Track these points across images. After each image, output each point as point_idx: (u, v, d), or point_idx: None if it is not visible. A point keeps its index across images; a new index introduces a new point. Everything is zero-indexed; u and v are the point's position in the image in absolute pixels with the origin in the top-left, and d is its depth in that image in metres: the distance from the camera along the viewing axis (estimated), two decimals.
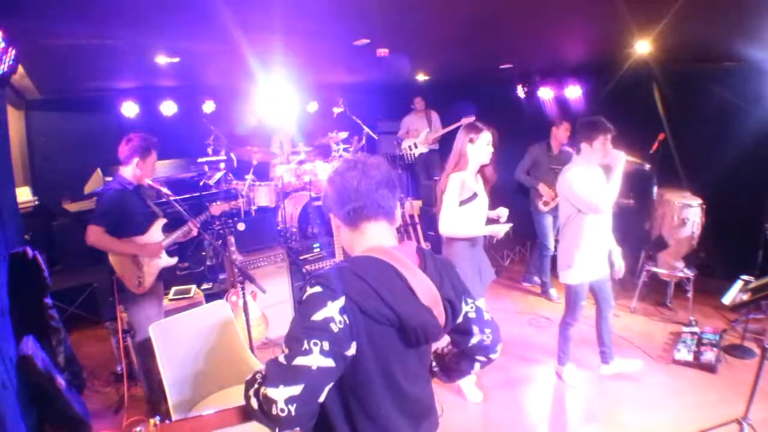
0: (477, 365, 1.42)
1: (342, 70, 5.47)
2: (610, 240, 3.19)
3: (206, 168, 5.38)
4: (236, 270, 3.25)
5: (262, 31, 3.08)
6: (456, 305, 1.26)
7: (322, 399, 1.08)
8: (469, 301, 1.33)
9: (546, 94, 5.92)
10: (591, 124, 2.99)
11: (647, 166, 3.10)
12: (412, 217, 5.35)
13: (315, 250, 4.75)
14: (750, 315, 3.86)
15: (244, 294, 3.17)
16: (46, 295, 2.87)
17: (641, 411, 3.06)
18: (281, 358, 1.07)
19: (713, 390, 3.23)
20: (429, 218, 5.52)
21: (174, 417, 2.31)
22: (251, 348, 2.94)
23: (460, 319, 1.30)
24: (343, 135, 5.88)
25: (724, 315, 4.23)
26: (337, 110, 6.21)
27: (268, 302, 4.10)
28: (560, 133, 4.79)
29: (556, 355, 3.44)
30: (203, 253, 4.80)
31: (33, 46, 2.83)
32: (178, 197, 3.16)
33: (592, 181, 3.01)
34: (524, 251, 5.97)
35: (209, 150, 5.50)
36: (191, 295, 3.83)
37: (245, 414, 1.17)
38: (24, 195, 4.61)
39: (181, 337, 2.58)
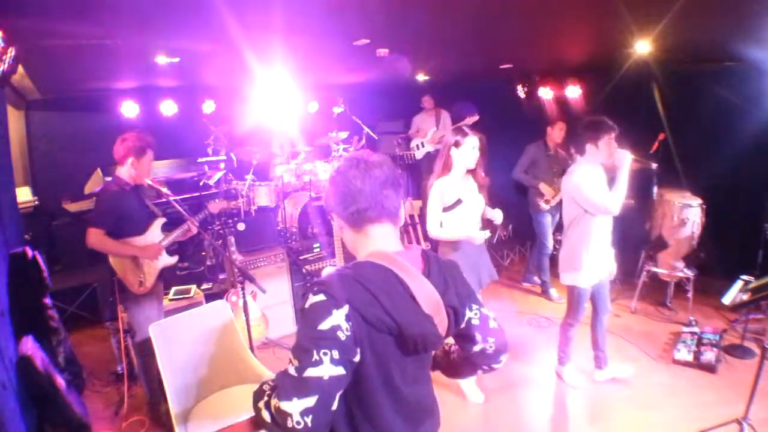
0: (479, 372, 1.42)
1: (342, 70, 5.47)
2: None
3: (206, 168, 5.38)
4: (236, 270, 3.25)
5: (262, 31, 3.08)
6: (459, 312, 1.24)
7: (335, 407, 1.07)
8: (474, 307, 1.31)
9: (546, 94, 5.92)
10: (595, 124, 2.97)
11: (653, 165, 3.08)
12: (412, 217, 5.35)
13: (315, 250, 4.75)
14: (750, 315, 3.86)
15: (244, 294, 3.17)
16: (46, 295, 2.87)
17: (641, 411, 3.06)
18: (291, 370, 1.06)
19: (713, 390, 3.23)
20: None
21: (174, 417, 2.30)
22: (251, 348, 2.94)
23: (463, 325, 1.29)
24: (343, 135, 5.88)
25: (724, 315, 4.23)
26: (337, 110, 6.21)
27: (268, 302, 4.10)
28: (555, 133, 4.83)
29: (557, 355, 3.43)
30: (203, 253, 4.80)
31: (33, 46, 2.82)
32: (177, 197, 3.15)
33: (599, 181, 2.99)
34: (524, 251, 5.97)
35: (209, 150, 5.49)
36: (191, 295, 3.84)
37: (255, 425, 1.18)
38: (24, 195, 4.61)
39: (181, 337, 2.58)
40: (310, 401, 1.01)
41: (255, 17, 2.71)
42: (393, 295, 1.12)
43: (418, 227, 5.06)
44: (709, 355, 3.47)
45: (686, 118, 4.58)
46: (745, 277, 2.90)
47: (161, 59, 3.66)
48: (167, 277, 3.26)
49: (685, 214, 4.04)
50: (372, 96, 7.27)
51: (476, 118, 6.11)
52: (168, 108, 5.80)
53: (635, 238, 4.97)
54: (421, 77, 6.02)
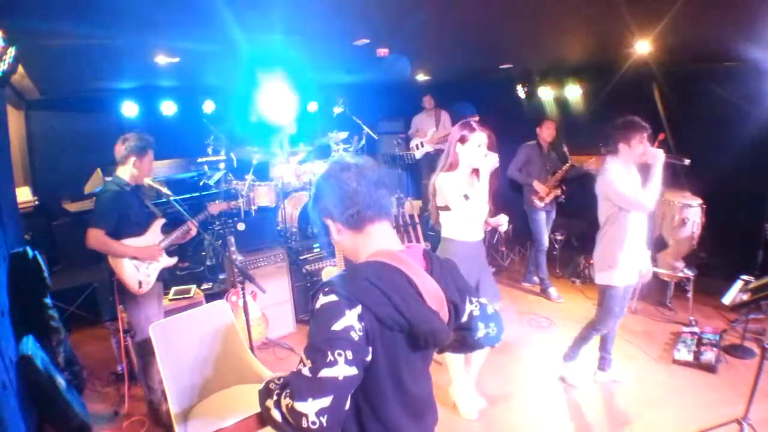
0: (478, 350, 1.49)
1: (342, 70, 5.47)
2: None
3: (206, 168, 5.38)
4: (236, 270, 3.25)
5: (262, 31, 3.08)
6: (459, 306, 1.27)
7: (348, 407, 1.08)
8: (474, 300, 1.35)
9: (546, 94, 5.92)
10: (628, 123, 2.94)
11: (686, 161, 3.03)
12: (412, 217, 5.35)
13: (315, 250, 4.75)
14: (750, 315, 3.86)
15: (244, 294, 3.17)
16: (46, 295, 2.87)
17: (641, 411, 3.06)
18: (306, 371, 1.06)
19: (713, 390, 3.23)
20: (429, 218, 5.52)
21: (174, 417, 2.30)
22: (251, 348, 2.94)
23: (465, 318, 1.32)
24: (343, 135, 5.88)
25: (724, 315, 4.23)
26: (337, 110, 6.21)
27: (268, 302, 4.10)
28: (544, 132, 4.89)
29: (565, 351, 3.38)
30: (203, 253, 4.81)
31: (33, 46, 2.83)
32: (177, 197, 3.15)
33: (632, 179, 2.96)
34: (524, 251, 5.97)
35: (209, 150, 5.49)
36: (191, 295, 3.84)
37: (261, 423, 1.19)
38: (24, 195, 4.61)
39: (181, 337, 2.58)
40: (326, 401, 1.02)
41: (255, 17, 2.71)
42: (403, 293, 1.13)
43: (419, 227, 5.05)
44: (709, 355, 3.47)
45: (686, 118, 4.58)
46: (745, 277, 2.90)
47: (161, 59, 3.66)
48: (167, 277, 3.26)
49: (685, 214, 4.04)
50: (372, 96, 7.27)
51: (476, 119, 6.11)
52: (168, 108, 5.80)
53: None
54: (421, 77, 6.02)
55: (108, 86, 5.23)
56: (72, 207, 4.84)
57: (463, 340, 1.39)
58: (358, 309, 1.08)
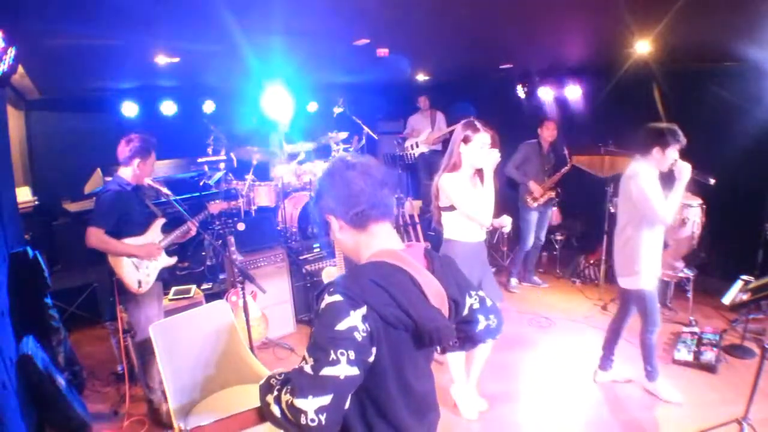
0: (480, 344, 1.47)
1: (342, 70, 5.47)
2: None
3: (206, 168, 5.37)
4: (236, 270, 3.25)
5: (262, 31, 3.08)
6: (460, 302, 1.28)
7: (347, 406, 1.09)
8: (473, 293, 1.36)
9: (546, 94, 5.92)
10: (670, 131, 2.88)
11: (711, 181, 2.96)
12: (412, 217, 5.35)
13: (315, 250, 4.75)
14: (750, 315, 3.86)
15: (244, 294, 3.17)
16: (46, 295, 2.87)
17: (641, 411, 3.06)
18: (307, 369, 1.07)
19: (713, 390, 3.23)
20: (429, 218, 5.52)
21: (174, 417, 2.30)
22: (251, 348, 2.94)
23: (465, 312, 1.33)
24: (343, 135, 5.88)
25: (724, 315, 4.23)
26: (337, 110, 6.21)
27: (268, 302, 4.10)
28: (545, 133, 4.91)
29: (644, 371, 3.19)
30: (203, 253, 4.80)
31: (33, 46, 2.83)
32: (177, 197, 3.16)
33: (659, 188, 2.88)
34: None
35: (209, 150, 5.49)
36: (191, 295, 3.84)
37: (261, 418, 1.19)
38: (24, 195, 4.61)
39: (181, 337, 2.58)
40: (326, 400, 1.03)
41: (255, 17, 2.71)
42: (407, 292, 1.14)
43: (419, 227, 5.06)
44: (709, 355, 3.47)
45: (686, 118, 4.54)
46: (745, 277, 2.90)
47: (161, 59, 3.66)
48: (167, 277, 3.26)
49: (685, 214, 4.04)
50: (372, 96, 7.28)
51: (471, 119, 6.11)
52: (168, 108, 5.80)
53: None
54: (421, 77, 6.02)
55: (108, 86, 5.23)
56: (72, 207, 4.84)
57: (466, 334, 1.40)
58: (363, 310, 1.09)
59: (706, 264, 4.47)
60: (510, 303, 4.89)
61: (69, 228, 4.63)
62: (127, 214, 2.88)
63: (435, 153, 6.79)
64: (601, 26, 3.30)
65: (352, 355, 1.05)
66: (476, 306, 1.37)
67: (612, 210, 4.85)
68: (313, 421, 1.02)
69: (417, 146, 6.76)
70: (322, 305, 1.12)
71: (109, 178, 3.03)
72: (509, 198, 5.15)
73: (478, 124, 2.73)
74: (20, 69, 3.14)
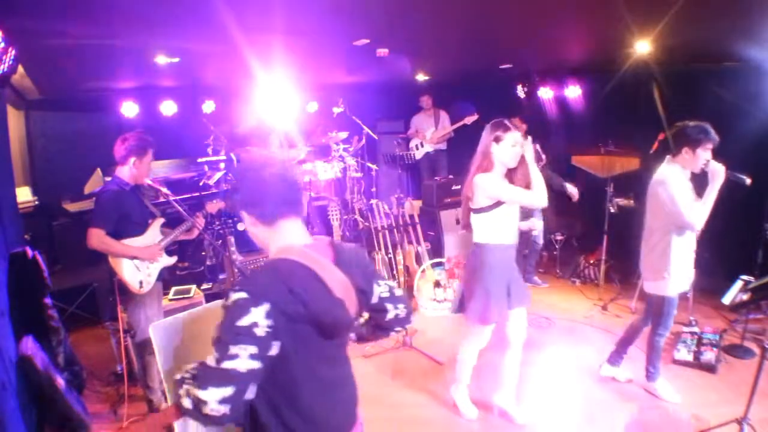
0: (393, 333, 1.59)
1: (342, 70, 5.47)
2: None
3: (206, 168, 5.38)
4: (236, 270, 3.25)
5: (262, 31, 3.08)
6: (367, 291, 1.38)
7: (251, 396, 1.14)
8: (381, 282, 1.46)
9: (546, 94, 5.92)
10: (699, 129, 2.78)
11: (747, 181, 2.80)
12: (412, 217, 5.35)
13: None
14: (750, 315, 3.86)
15: None
16: (46, 295, 2.86)
17: (641, 411, 3.06)
18: (211, 361, 1.13)
19: (713, 390, 3.23)
20: (429, 218, 5.53)
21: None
22: None
23: (375, 300, 1.43)
24: (343, 135, 5.89)
25: (724, 315, 4.23)
26: (337, 110, 6.22)
27: None
28: None
29: (646, 371, 3.20)
30: (203, 253, 4.80)
31: (33, 46, 2.83)
32: (177, 197, 3.15)
33: (688, 190, 2.82)
34: (524, 252, 5.96)
35: (209, 150, 5.50)
36: (191, 295, 3.83)
37: (179, 413, 1.21)
38: (24, 195, 4.61)
39: (181, 337, 2.58)
40: (227, 391, 1.08)
41: (255, 17, 2.71)
42: (308, 287, 1.21)
43: (418, 227, 5.06)
44: (708, 355, 3.47)
45: (686, 118, 4.57)
46: (745, 277, 2.90)
47: (161, 59, 3.66)
48: (167, 277, 3.26)
49: None
50: (372, 96, 7.28)
51: (475, 117, 6.12)
52: (168, 108, 5.80)
53: (635, 238, 4.97)
54: (421, 77, 6.02)
55: (108, 86, 5.23)
56: (72, 207, 4.84)
57: (376, 322, 1.53)
58: (265, 306, 1.13)
59: (706, 264, 4.46)
60: None
61: (69, 228, 4.63)
62: (127, 214, 2.87)
63: (440, 152, 6.78)
64: (601, 26, 3.30)
65: (252, 350, 1.11)
66: (385, 295, 1.45)
67: (612, 210, 4.85)
68: (214, 411, 1.07)
69: (422, 146, 6.74)
70: (229, 301, 1.16)
71: (108, 178, 3.02)
72: None
73: (508, 123, 2.66)
74: (20, 69, 3.14)
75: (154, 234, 3.02)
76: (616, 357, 3.36)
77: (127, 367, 3.30)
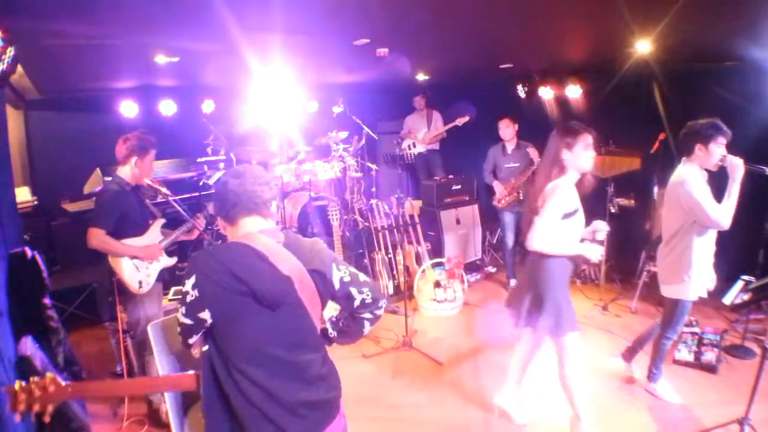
0: (367, 324, 1.65)
1: (342, 70, 5.47)
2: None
3: (205, 168, 5.37)
4: None
5: (262, 30, 3.07)
6: (325, 272, 1.54)
7: (196, 336, 1.50)
8: (342, 267, 1.59)
9: (546, 93, 5.92)
10: (709, 124, 2.73)
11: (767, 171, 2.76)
12: (412, 217, 5.35)
13: None
14: (750, 315, 3.86)
15: None
16: (46, 295, 2.86)
17: (642, 411, 3.06)
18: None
19: (713, 390, 3.22)
20: (429, 218, 5.52)
21: (172, 417, 2.30)
22: None
23: (337, 286, 1.56)
24: (343, 135, 5.88)
25: (725, 315, 4.22)
26: (337, 110, 6.21)
27: None
28: (501, 132, 4.90)
29: (648, 372, 3.17)
30: None
31: (32, 45, 2.82)
32: (177, 197, 3.15)
33: (707, 190, 2.76)
34: (524, 251, 5.97)
35: (208, 150, 5.49)
36: None
37: (197, 380, 1.56)
38: (23, 195, 4.61)
39: (180, 337, 2.57)
40: (183, 327, 1.49)
41: (255, 17, 2.71)
42: (245, 262, 1.43)
43: (418, 227, 5.05)
44: (709, 356, 3.47)
45: (686, 118, 4.56)
46: (745, 277, 2.90)
47: (160, 59, 3.65)
48: (167, 278, 3.25)
49: None
50: (372, 96, 7.27)
51: (467, 119, 6.13)
52: (167, 108, 5.80)
53: (635, 238, 4.98)
54: (421, 77, 6.02)
55: (107, 86, 5.23)
56: (71, 207, 4.84)
57: (348, 312, 1.63)
58: (193, 279, 1.42)
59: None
60: None
61: (68, 228, 4.63)
62: (127, 214, 2.86)
63: (433, 152, 6.79)
64: (602, 25, 3.30)
65: (184, 310, 1.45)
66: (347, 279, 1.58)
67: (612, 210, 4.85)
68: (179, 328, 1.51)
69: (414, 146, 6.75)
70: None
71: (108, 178, 3.02)
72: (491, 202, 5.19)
73: (577, 125, 2.52)
74: (19, 68, 3.13)
75: (154, 234, 3.02)
76: (630, 355, 3.36)
77: (127, 367, 3.29)
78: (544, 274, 2.57)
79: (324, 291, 1.55)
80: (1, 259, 2.49)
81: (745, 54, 3.88)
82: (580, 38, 3.85)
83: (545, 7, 2.83)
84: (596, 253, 2.53)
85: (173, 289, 3.87)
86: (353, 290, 1.58)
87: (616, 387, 3.33)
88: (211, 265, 1.42)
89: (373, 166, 6.56)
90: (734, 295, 2.87)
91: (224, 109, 6.18)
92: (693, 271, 2.84)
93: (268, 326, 1.46)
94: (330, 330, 1.68)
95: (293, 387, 1.47)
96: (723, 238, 4.32)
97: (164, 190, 3.07)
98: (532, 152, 4.72)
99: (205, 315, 1.43)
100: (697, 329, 3.84)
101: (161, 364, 2.41)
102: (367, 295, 1.59)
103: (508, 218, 5.03)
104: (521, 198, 4.91)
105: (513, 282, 5.24)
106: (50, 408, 1.54)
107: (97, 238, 2.72)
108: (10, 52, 2.46)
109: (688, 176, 2.77)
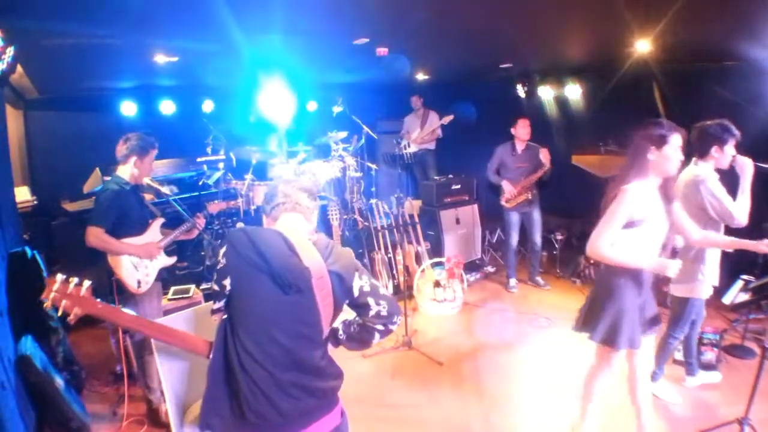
0: (377, 335, 1.67)
1: (342, 69, 5.47)
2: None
3: (205, 167, 5.37)
4: None
5: (262, 31, 3.07)
6: (345, 277, 1.59)
7: (220, 302, 1.60)
8: (364, 277, 1.65)
9: (546, 93, 5.92)
10: (725, 127, 2.79)
11: None
12: (411, 216, 5.35)
13: None
14: (750, 315, 3.85)
15: None
16: None
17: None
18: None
19: (713, 390, 3.22)
20: (429, 218, 5.52)
21: (171, 416, 2.30)
22: None
23: (356, 293, 1.62)
24: (343, 134, 5.87)
25: (725, 315, 4.22)
26: (336, 110, 6.21)
27: None
28: (519, 131, 4.89)
29: (650, 374, 3.07)
30: (202, 253, 4.79)
31: (32, 45, 2.82)
32: (177, 197, 3.15)
33: (723, 189, 2.78)
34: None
35: (208, 149, 5.49)
36: (190, 294, 3.82)
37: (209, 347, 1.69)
38: (23, 195, 4.60)
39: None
40: (212, 293, 1.61)
41: (255, 17, 2.71)
42: (273, 245, 1.54)
43: (418, 227, 5.05)
44: (709, 355, 3.47)
45: (686, 118, 4.55)
46: (745, 277, 2.90)
47: (160, 58, 3.65)
48: (166, 277, 3.25)
49: None
50: (372, 96, 7.27)
51: (451, 117, 6.17)
52: (167, 107, 5.79)
53: None
54: (421, 76, 6.02)
55: (107, 86, 5.23)
56: (71, 207, 4.83)
57: (361, 319, 1.66)
58: (224, 248, 1.56)
59: None
60: (510, 303, 4.89)
61: (68, 228, 4.62)
62: (127, 213, 2.86)
63: (428, 152, 6.80)
64: (602, 25, 3.30)
65: (215, 276, 1.58)
66: (366, 289, 1.63)
67: None
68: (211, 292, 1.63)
69: (408, 146, 6.78)
70: None
71: (108, 178, 3.02)
72: (492, 202, 5.18)
73: (667, 123, 2.30)
74: (19, 68, 3.14)
75: (153, 234, 3.01)
76: (691, 367, 3.28)
77: (126, 367, 3.29)
78: (607, 284, 2.38)
79: (340, 294, 1.59)
80: (1, 259, 2.49)
81: (745, 54, 3.88)
82: (580, 38, 3.85)
83: (545, 7, 2.83)
84: (674, 267, 2.18)
85: (173, 288, 3.86)
86: (371, 300, 1.62)
87: (614, 386, 3.33)
88: (241, 239, 1.54)
89: (373, 166, 6.57)
90: (734, 294, 2.87)
91: (224, 108, 6.18)
92: (706, 269, 2.88)
93: (276, 308, 1.52)
94: (340, 332, 1.70)
95: (289, 370, 1.52)
96: None
97: (164, 189, 3.06)
98: (544, 154, 4.72)
99: (227, 282, 1.54)
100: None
101: (161, 363, 2.41)
102: (384, 307, 1.63)
103: (515, 218, 5.03)
104: (530, 198, 4.94)
105: (513, 281, 5.24)
106: (78, 311, 1.60)
107: (96, 236, 2.72)
108: (10, 51, 2.46)
109: (707, 176, 2.81)
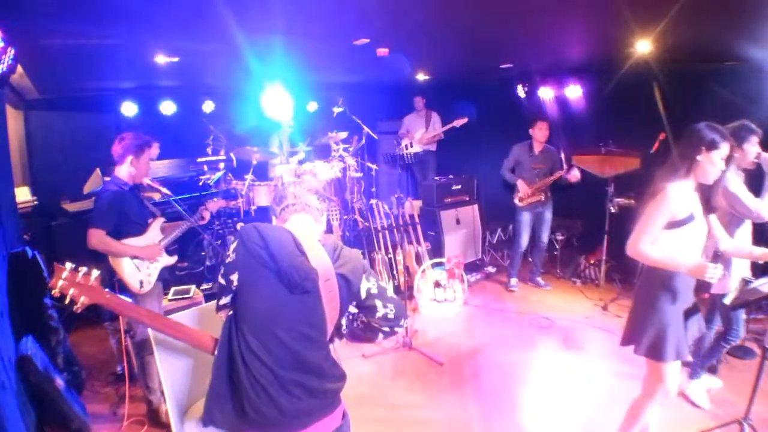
0: (381, 335, 1.69)
1: (342, 70, 5.46)
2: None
3: (205, 168, 5.37)
4: None
5: (262, 31, 3.07)
6: (352, 280, 1.60)
7: (226, 298, 1.60)
8: (372, 279, 1.66)
9: (546, 93, 5.92)
10: (744, 127, 2.81)
11: None
12: (412, 217, 5.35)
13: None
14: (750, 315, 3.86)
15: None
16: (45, 295, 2.86)
17: None
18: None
19: (713, 390, 3.22)
20: (429, 218, 5.52)
21: (172, 417, 2.30)
22: None
23: (364, 296, 1.63)
24: (343, 135, 5.87)
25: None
26: (337, 110, 6.21)
27: None
28: (537, 133, 4.91)
29: (689, 369, 3.10)
30: (203, 253, 4.80)
31: (32, 45, 2.82)
32: (177, 197, 3.15)
33: (745, 187, 2.80)
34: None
35: (209, 150, 5.49)
36: (191, 295, 3.83)
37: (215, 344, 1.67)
38: (23, 195, 4.60)
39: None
40: (217, 288, 1.63)
41: (255, 17, 2.71)
42: (281, 243, 1.55)
43: (418, 227, 5.05)
44: None
45: (686, 118, 4.54)
46: (745, 276, 2.90)
47: (161, 59, 3.65)
48: (167, 277, 3.25)
49: None
50: (372, 96, 7.27)
51: (465, 120, 6.16)
52: (167, 108, 5.79)
53: None
54: (421, 77, 6.02)
55: (107, 86, 5.23)
56: (71, 207, 4.83)
57: (366, 320, 1.66)
58: (236, 243, 1.58)
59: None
60: (510, 303, 4.89)
61: (68, 228, 4.62)
62: (127, 214, 2.86)
63: (429, 153, 6.80)
64: (602, 25, 3.29)
65: (222, 270, 1.58)
66: (374, 291, 1.65)
67: (613, 210, 4.85)
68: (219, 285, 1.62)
69: (411, 146, 6.77)
70: None
71: (108, 178, 3.02)
72: (506, 200, 5.17)
73: (724, 130, 2.23)
74: (19, 68, 3.14)
75: (154, 234, 3.02)
76: (710, 369, 3.29)
77: (127, 368, 3.29)
78: (645, 295, 2.33)
79: (347, 297, 1.61)
80: (1, 259, 2.49)
81: (745, 54, 3.88)
82: (580, 38, 3.84)
83: (545, 7, 2.83)
84: (716, 273, 2.06)
85: (173, 288, 3.87)
86: (378, 302, 1.64)
87: (615, 387, 3.33)
88: (251, 235, 1.55)
89: (373, 166, 6.56)
90: (734, 294, 2.87)
91: (224, 109, 6.17)
92: (732, 267, 2.90)
93: (281, 307, 1.52)
94: (344, 327, 1.72)
95: (292, 369, 1.53)
96: None
97: (164, 189, 3.07)
98: (573, 176, 4.74)
99: (234, 277, 1.55)
100: None
101: (161, 364, 2.41)
102: (391, 310, 1.65)
103: (527, 218, 5.04)
104: (544, 199, 4.97)
105: (514, 281, 5.24)
106: (85, 300, 1.64)
107: (97, 238, 2.72)
108: (11, 51, 2.46)
109: (728, 177, 2.77)
